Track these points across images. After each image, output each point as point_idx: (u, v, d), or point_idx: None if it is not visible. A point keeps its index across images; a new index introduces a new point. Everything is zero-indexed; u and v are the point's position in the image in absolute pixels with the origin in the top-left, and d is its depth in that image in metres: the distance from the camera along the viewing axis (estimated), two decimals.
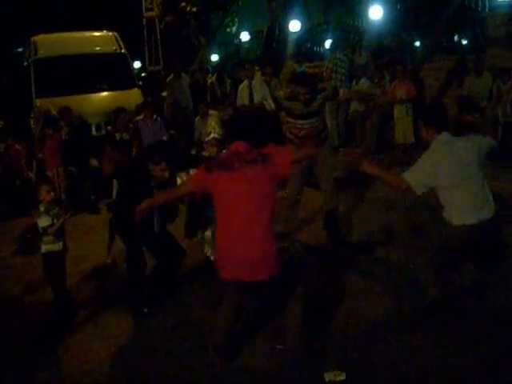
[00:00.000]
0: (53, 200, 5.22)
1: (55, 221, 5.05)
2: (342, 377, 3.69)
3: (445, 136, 4.27)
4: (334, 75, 10.76)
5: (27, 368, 4.35)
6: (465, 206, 4.18)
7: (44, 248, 5.11)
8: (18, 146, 9.48)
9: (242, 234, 3.76)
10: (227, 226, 3.84)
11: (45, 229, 5.03)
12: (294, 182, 6.18)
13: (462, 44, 23.65)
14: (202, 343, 4.34)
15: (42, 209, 5.08)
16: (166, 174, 5.00)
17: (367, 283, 5.21)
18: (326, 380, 3.69)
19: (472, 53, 11.51)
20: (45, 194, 5.10)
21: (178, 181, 5.77)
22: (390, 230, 6.50)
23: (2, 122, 23.40)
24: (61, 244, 5.14)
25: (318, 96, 5.95)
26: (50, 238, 5.07)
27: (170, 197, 4.54)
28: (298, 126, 6.03)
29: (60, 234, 5.13)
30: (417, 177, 4.21)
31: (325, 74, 11.04)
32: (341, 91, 6.58)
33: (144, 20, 17.67)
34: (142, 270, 5.15)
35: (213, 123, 5.83)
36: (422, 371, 3.83)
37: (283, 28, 15.81)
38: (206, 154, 5.94)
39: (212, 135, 5.73)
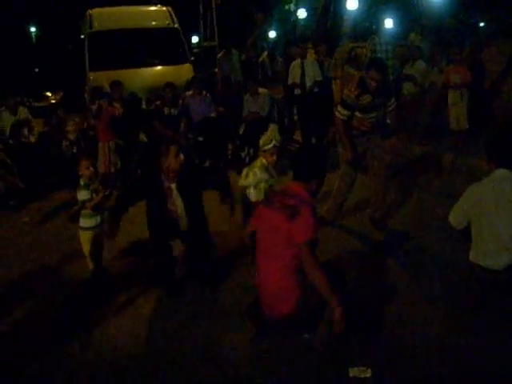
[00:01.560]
0: (93, 175, 5.26)
1: (94, 195, 5.11)
2: (368, 374, 3.57)
3: (500, 173, 3.95)
4: None
5: (57, 340, 4.41)
6: (486, 248, 3.99)
7: (81, 221, 5.18)
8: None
9: (260, 269, 3.96)
10: (257, 258, 4.04)
11: (83, 202, 5.09)
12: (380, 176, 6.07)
13: None
14: (231, 324, 4.35)
15: (81, 183, 5.14)
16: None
17: (399, 279, 5.04)
18: (350, 375, 3.58)
19: None
20: (84, 169, 5.14)
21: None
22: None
23: (61, 93, 23.87)
24: (98, 219, 5.18)
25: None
26: (88, 212, 5.12)
27: None
28: (366, 119, 5.89)
29: (98, 209, 5.18)
30: (456, 211, 4.16)
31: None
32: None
33: None
34: (168, 251, 5.02)
35: (274, 132, 5.58)
36: (451, 369, 3.67)
37: (339, 6, 15.41)
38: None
39: (273, 143, 5.54)
